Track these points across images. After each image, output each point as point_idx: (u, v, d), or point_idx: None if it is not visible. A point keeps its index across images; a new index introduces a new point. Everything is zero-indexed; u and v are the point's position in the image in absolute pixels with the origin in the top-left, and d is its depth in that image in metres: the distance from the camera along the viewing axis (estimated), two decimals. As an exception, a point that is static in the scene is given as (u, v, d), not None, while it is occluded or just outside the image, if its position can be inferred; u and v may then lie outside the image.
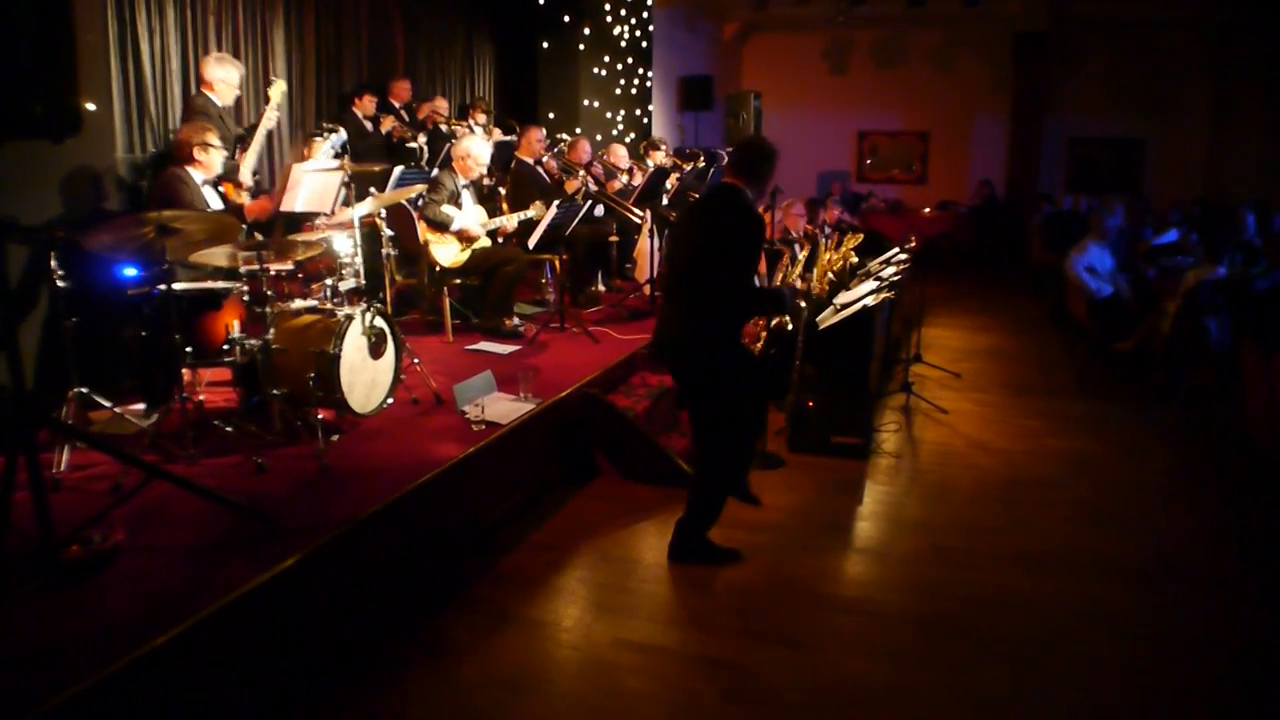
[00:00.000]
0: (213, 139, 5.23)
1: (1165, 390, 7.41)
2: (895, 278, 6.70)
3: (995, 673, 3.60)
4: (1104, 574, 4.43)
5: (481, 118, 9.69)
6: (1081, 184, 15.72)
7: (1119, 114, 15.36)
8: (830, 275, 7.40)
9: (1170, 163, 15.20)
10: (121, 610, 3.02)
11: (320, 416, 4.47)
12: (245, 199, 5.74)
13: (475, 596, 4.12)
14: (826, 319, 5.88)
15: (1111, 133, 15.55)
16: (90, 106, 4.95)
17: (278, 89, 6.21)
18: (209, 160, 5.24)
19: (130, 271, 4.54)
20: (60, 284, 4.24)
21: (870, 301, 5.96)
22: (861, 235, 9.03)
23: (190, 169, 5.20)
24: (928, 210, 16.04)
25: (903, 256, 7.54)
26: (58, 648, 2.80)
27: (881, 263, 7.43)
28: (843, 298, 6.08)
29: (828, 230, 9.90)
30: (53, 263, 4.22)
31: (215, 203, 5.33)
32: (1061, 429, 6.67)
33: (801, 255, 7.41)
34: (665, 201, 8.78)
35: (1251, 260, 7.84)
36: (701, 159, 10.66)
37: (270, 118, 6.14)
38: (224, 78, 6.09)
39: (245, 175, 5.92)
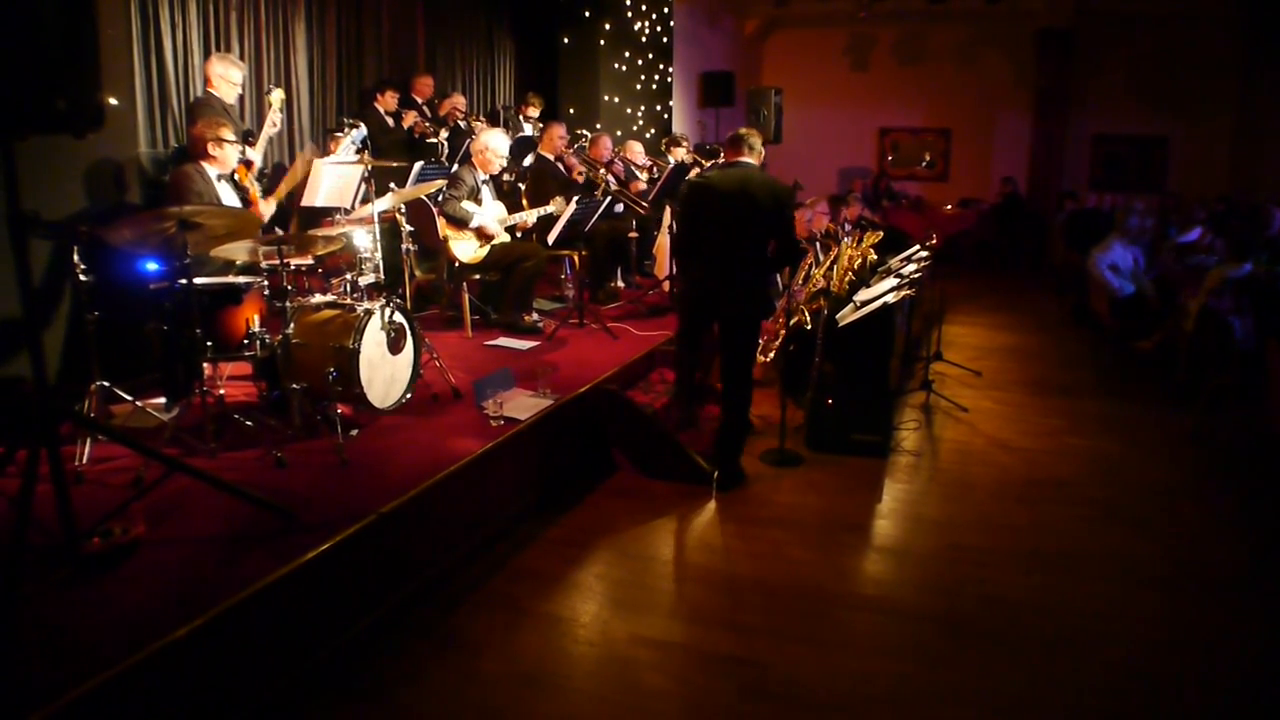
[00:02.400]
0: (227, 134, 5.25)
1: (1188, 389, 7.35)
2: (916, 275, 6.67)
3: (1012, 672, 3.57)
4: (1124, 575, 4.40)
5: (534, 112, 9.74)
6: (1105, 181, 15.59)
7: (1143, 111, 15.21)
8: (850, 273, 7.37)
9: (1195, 160, 15.05)
10: (142, 602, 3.04)
11: (339, 411, 4.49)
12: (256, 187, 5.79)
13: (493, 592, 4.12)
14: (846, 316, 5.85)
15: (1136, 129, 15.41)
16: (113, 101, 4.98)
17: (276, 96, 6.28)
18: (224, 155, 5.26)
19: (152, 266, 4.57)
20: (83, 278, 4.27)
21: (890, 299, 5.94)
22: (881, 233, 8.98)
23: (206, 164, 5.22)
24: (949, 207, 15.95)
25: (923, 254, 7.50)
26: (79, 639, 2.82)
27: (902, 260, 7.39)
28: (863, 295, 6.05)
29: (848, 227, 9.85)
30: (75, 257, 4.25)
31: (231, 198, 5.35)
32: (1082, 428, 6.63)
33: (829, 256, 7.37)
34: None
35: (1277, 258, 7.76)
36: (721, 155, 10.61)
37: (272, 124, 6.22)
38: (223, 74, 6.16)
39: (256, 158, 6.02)
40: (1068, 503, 5.27)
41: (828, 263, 7.21)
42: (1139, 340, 8.44)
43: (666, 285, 8.33)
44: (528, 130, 9.84)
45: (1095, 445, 6.25)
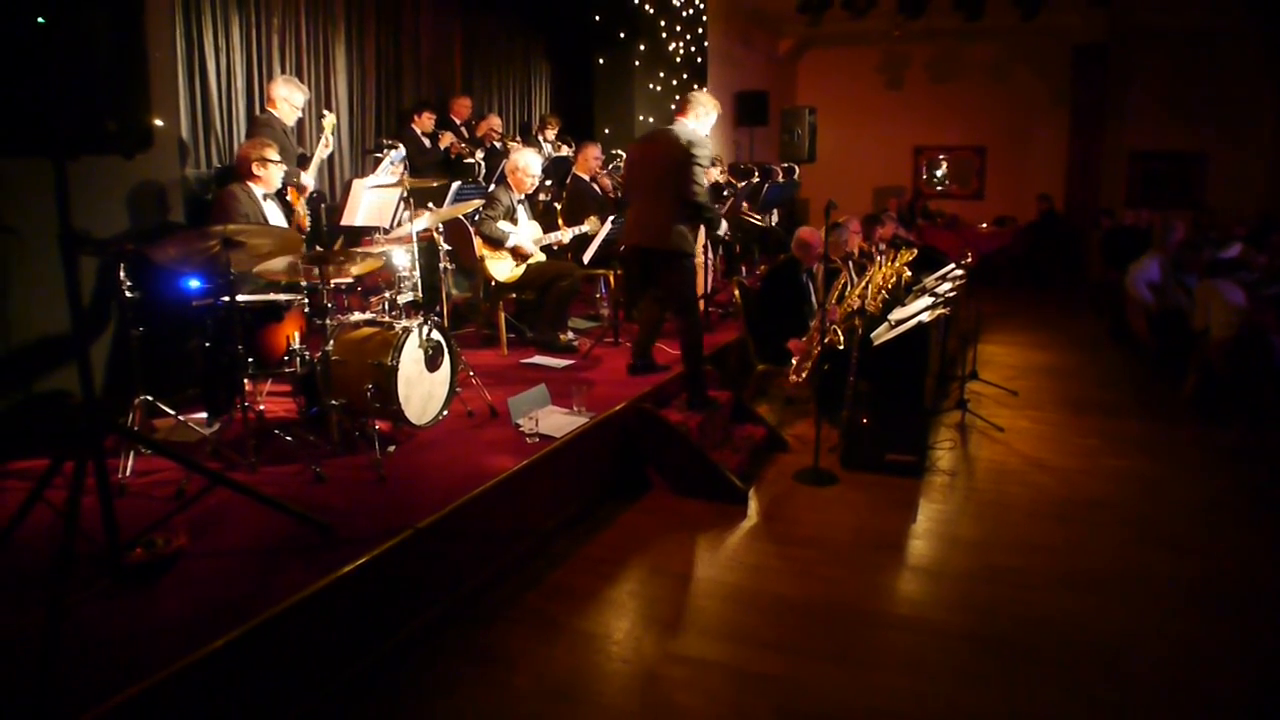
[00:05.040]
0: (271, 154, 5.35)
1: (1226, 408, 7.26)
2: (951, 294, 6.64)
3: (1048, 692, 3.54)
4: (1162, 595, 4.35)
5: (551, 133, 9.81)
6: (1143, 198, 15.42)
7: (1180, 127, 15.02)
8: (885, 291, 7.35)
9: (1234, 176, 14.83)
10: (183, 612, 3.09)
11: (377, 427, 4.54)
12: (305, 208, 5.89)
13: (527, 608, 4.14)
14: (881, 335, 5.85)
15: (1173, 146, 15.22)
16: (159, 123, 5.09)
17: (329, 121, 6.40)
18: (268, 175, 5.36)
19: (195, 284, 4.66)
20: (128, 295, 4.36)
21: (925, 317, 5.92)
22: (916, 251, 8.95)
23: (251, 184, 5.32)
24: (985, 225, 15.87)
25: (959, 272, 7.47)
26: (122, 647, 2.88)
27: (937, 278, 7.37)
28: (898, 314, 6.04)
29: (882, 247, 9.82)
30: (121, 274, 4.34)
31: (276, 217, 5.44)
32: (1120, 447, 6.56)
33: (863, 277, 7.36)
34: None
35: None
36: (756, 174, 10.63)
37: (323, 148, 6.34)
38: (286, 96, 6.29)
39: (310, 182, 6.13)
40: (1105, 523, 5.22)
41: (863, 283, 7.20)
42: (1181, 386, 8.28)
43: (701, 305, 8.34)
44: (547, 150, 9.92)
45: (1133, 465, 6.19)
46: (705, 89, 13.03)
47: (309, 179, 6.21)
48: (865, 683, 3.59)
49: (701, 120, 5.81)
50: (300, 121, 6.83)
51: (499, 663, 3.69)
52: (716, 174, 9.95)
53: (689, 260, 5.84)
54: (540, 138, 10.07)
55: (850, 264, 7.59)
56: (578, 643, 3.87)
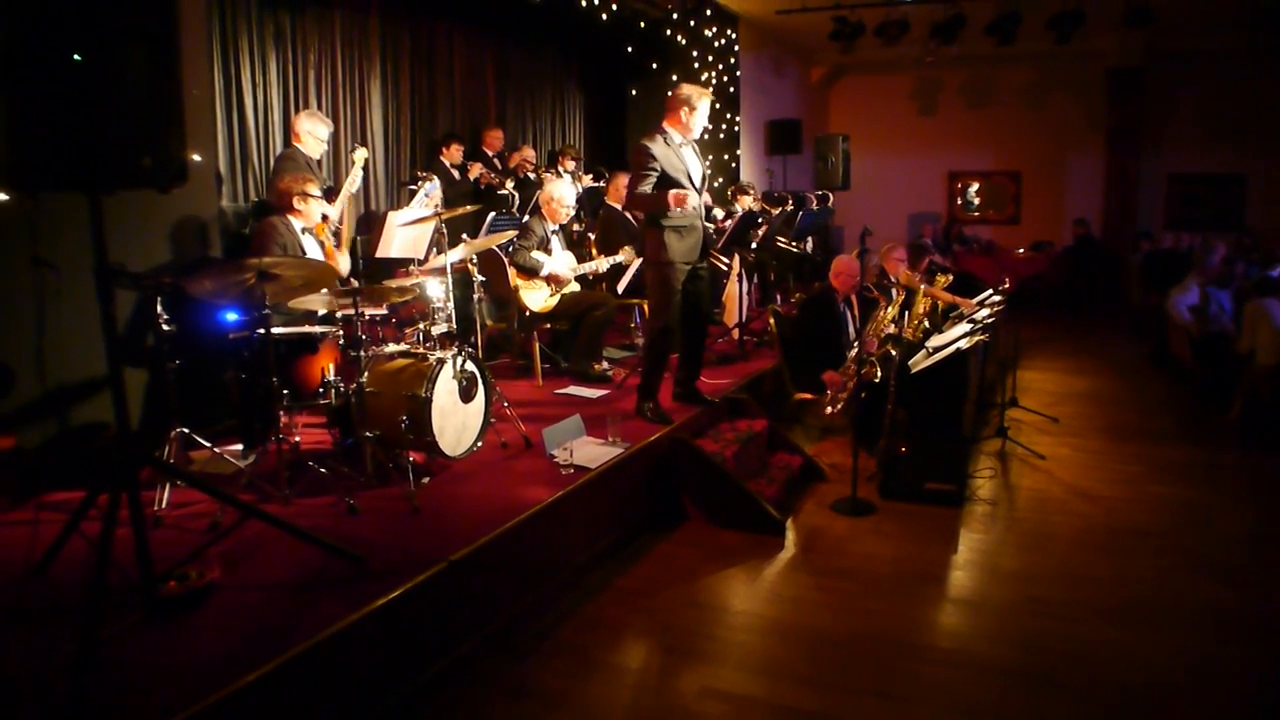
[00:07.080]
0: (312, 189, 5.41)
1: (1273, 434, 7.11)
2: (989, 320, 6.56)
3: (1099, 730, 3.45)
4: (1210, 628, 4.23)
5: (570, 164, 9.83)
6: (1181, 221, 15.24)
7: (1218, 148, 14.86)
8: (923, 319, 7.28)
9: (1274, 196, 14.64)
10: (216, 646, 3.08)
11: (411, 459, 4.54)
12: (331, 239, 5.94)
13: (562, 641, 4.10)
14: (919, 362, 5.78)
15: (1211, 168, 15.06)
16: (196, 158, 5.15)
17: (359, 155, 6.46)
18: (308, 210, 5.41)
19: (231, 316, 4.68)
20: (165, 328, 4.39)
21: (964, 344, 5.85)
22: (951, 277, 8.86)
23: (291, 217, 5.37)
24: (1021, 251, 15.72)
25: (997, 298, 7.39)
26: (155, 680, 2.86)
27: (975, 305, 7.29)
28: (935, 341, 5.97)
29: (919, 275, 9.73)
30: (158, 307, 4.37)
31: (314, 250, 5.48)
32: (1165, 475, 6.43)
33: (898, 299, 7.29)
34: (754, 246, 8.71)
35: None
36: (790, 203, 10.60)
37: (354, 181, 6.39)
38: (310, 130, 6.35)
39: (333, 213, 6.18)
40: (1151, 553, 5.10)
41: (894, 307, 7.12)
42: (1226, 409, 8.14)
43: (735, 333, 8.31)
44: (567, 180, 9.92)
45: (1177, 493, 6.06)
46: (737, 116, 13.08)
47: (334, 211, 6.26)
48: (905, 718, 3.51)
49: (686, 117, 5.95)
50: (332, 154, 6.89)
51: (534, 697, 3.65)
52: (750, 201, 9.93)
53: (664, 269, 5.70)
54: (560, 169, 10.12)
55: (892, 291, 7.51)
56: (613, 677, 3.82)
